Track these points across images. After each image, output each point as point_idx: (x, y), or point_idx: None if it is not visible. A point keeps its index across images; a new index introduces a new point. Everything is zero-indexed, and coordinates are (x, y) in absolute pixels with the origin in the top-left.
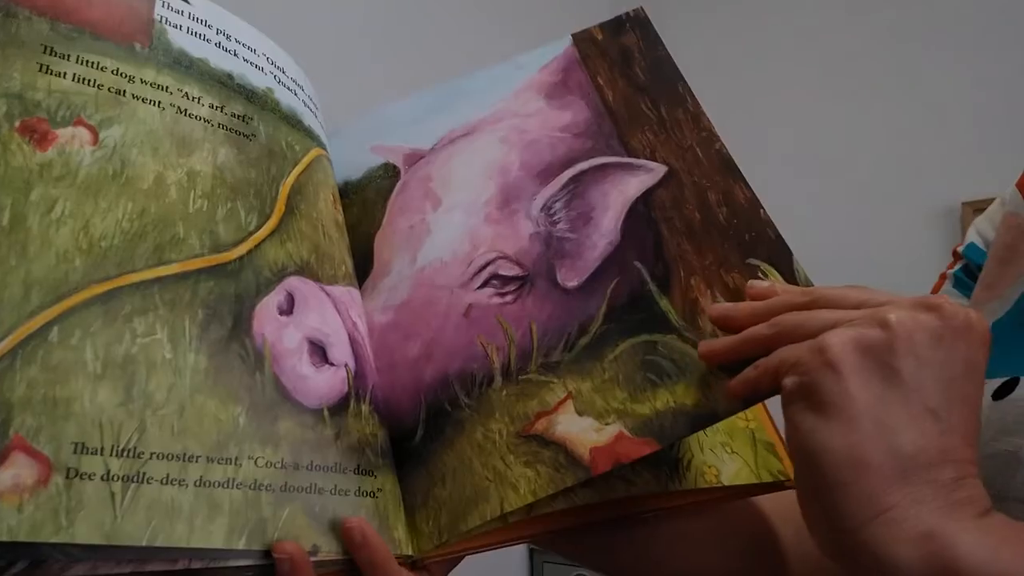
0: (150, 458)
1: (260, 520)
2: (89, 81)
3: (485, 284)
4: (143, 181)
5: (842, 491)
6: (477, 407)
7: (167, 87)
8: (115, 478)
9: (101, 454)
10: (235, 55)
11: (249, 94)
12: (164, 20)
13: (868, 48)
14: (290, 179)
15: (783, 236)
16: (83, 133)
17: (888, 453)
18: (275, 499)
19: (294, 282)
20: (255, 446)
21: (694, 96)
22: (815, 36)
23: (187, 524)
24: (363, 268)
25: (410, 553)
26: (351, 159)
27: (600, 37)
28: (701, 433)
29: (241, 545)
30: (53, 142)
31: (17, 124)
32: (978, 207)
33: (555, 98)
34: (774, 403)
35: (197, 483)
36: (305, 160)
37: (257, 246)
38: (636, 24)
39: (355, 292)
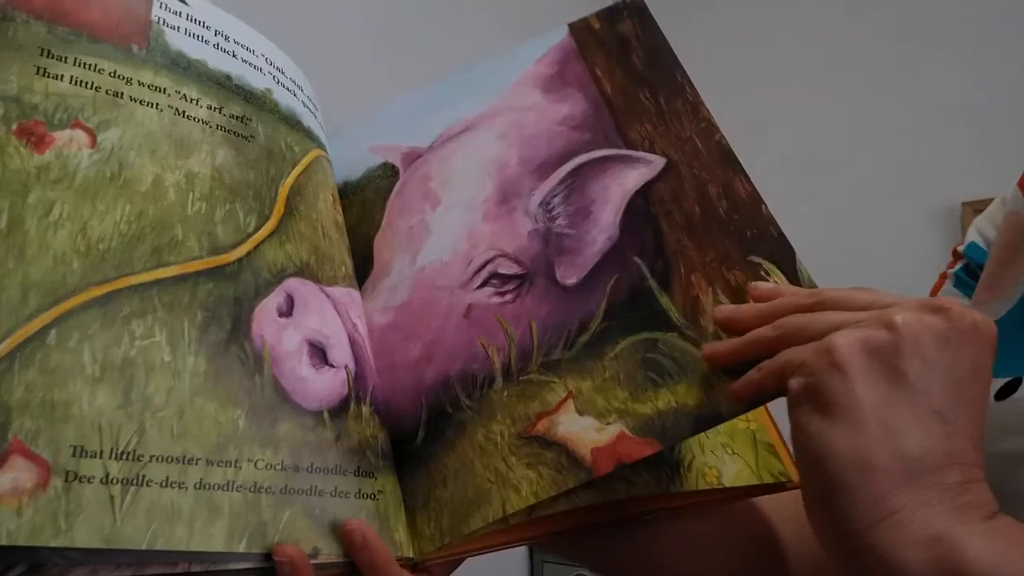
0: (149, 461)
1: (260, 523)
2: (86, 83)
3: (485, 283)
4: (141, 183)
5: (849, 494)
6: (478, 408)
7: (165, 89)
8: (114, 481)
9: (100, 457)
10: (233, 56)
11: (248, 95)
12: (162, 21)
13: (868, 48)
14: (289, 180)
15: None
16: (81, 136)
17: (895, 456)
18: (275, 502)
19: (294, 283)
20: (255, 448)
21: (693, 85)
22: (815, 36)
23: (187, 527)
24: (363, 269)
25: (411, 555)
26: (350, 159)
27: (597, 26)
28: (702, 434)
29: (241, 548)
30: (51, 145)
31: (14, 127)
32: (978, 207)
33: (552, 91)
34: (775, 404)
35: (197, 486)
36: (304, 161)
37: (256, 248)
38: (633, 12)
39: (355, 293)
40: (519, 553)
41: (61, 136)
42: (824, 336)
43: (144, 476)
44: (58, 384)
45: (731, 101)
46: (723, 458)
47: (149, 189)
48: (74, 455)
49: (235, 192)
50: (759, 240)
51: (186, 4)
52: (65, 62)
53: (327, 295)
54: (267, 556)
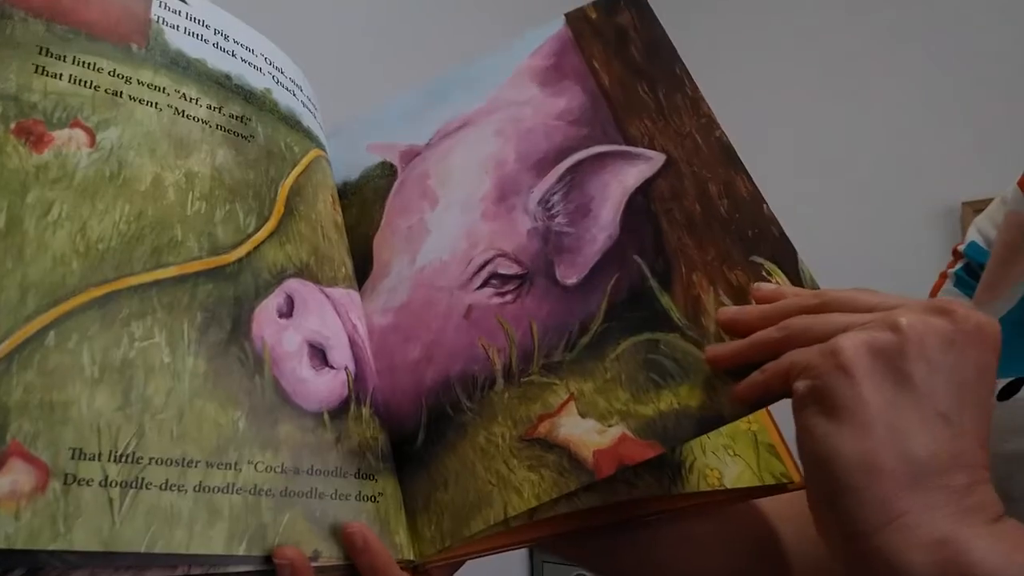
0: (149, 463)
1: (260, 525)
2: (85, 82)
3: (485, 284)
4: (140, 183)
5: (855, 496)
6: (479, 410)
7: (164, 88)
8: (113, 484)
9: (99, 459)
10: (233, 55)
11: (247, 95)
12: (161, 20)
13: (868, 48)
14: (289, 180)
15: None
16: (80, 135)
17: (901, 458)
18: (275, 504)
19: (293, 284)
20: (255, 450)
21: (692, 80)
22: (815, 36)
23: (186, 530)
24: (362, 269)
25: (412, 558)
26: (349, 159)
27: (594, 16)
28: (703, 435)
29: (241, 551)
30: (49, 144)
31: (13, 126)
32: (978, 207)
33: (549, 84)
34: (776, 405)
35: (196, 488)
36: (304, 161)
37: (256, 248)
38: (631, 2)
39: (355, 294)
40: (519, 553)
41: (60, 135)
42: (829, 338)
43: (143, 478)
44: (57, 386)
45: (731, 101)
46: (724, 459)
47: (148, 189)
48: (73, 457)
49: (235, 192)
50: (761, 240)
51: (186, 3)
52: (64, 61)
53: (327, 296)
54: (267, 559)
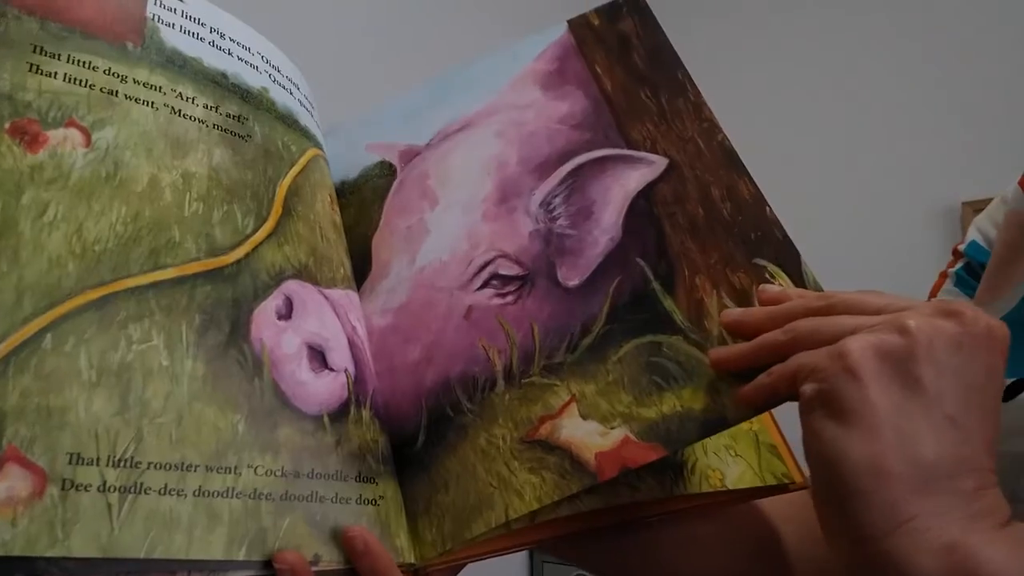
0: (147, 468)
1: (260, 530)
2: (81, 81)
3: (485, 284)
4: (137, 184)
5: (863, 500)
6: (480, 412)
7: (160, 87)
8: (112, 489)
9: (97, 464)
10: (229, 54)
11: (244, 94)
12: (157, 18)
13: (868, 48)
14: (287, 180)
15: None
16: (75, 135)
17: (909, 462)
18: (275, 508)
19: (292, 286)
20: (254, 454)
21: (695, 85)
22: (815, 36)
23: (186, 535)
24: (361, 270)
25: (412, 561)
26: (347, 158)
27: (597, 23)
28: None
29: (241, 556)
30: (44, 144)
31: (7, 125)
32: (978, 207)
33: (551, 88)
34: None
35: (196, 493)
36: (302, 161)
37: (254, 249)
38: (633, 9)
39: (353, 295)
40: (519, 552)
41: (55, 135)
42: (837, 340)
43: (142, 483)
44: (54, 390)
45: (731, 101)
46: (726, 460)
47: (145, 189)
48: (70, 462)
49: (232, 192)
50: (764, 242)
51: (182, 1)
52: (58, 59)
53: (325, 297)
54: (267, 563)
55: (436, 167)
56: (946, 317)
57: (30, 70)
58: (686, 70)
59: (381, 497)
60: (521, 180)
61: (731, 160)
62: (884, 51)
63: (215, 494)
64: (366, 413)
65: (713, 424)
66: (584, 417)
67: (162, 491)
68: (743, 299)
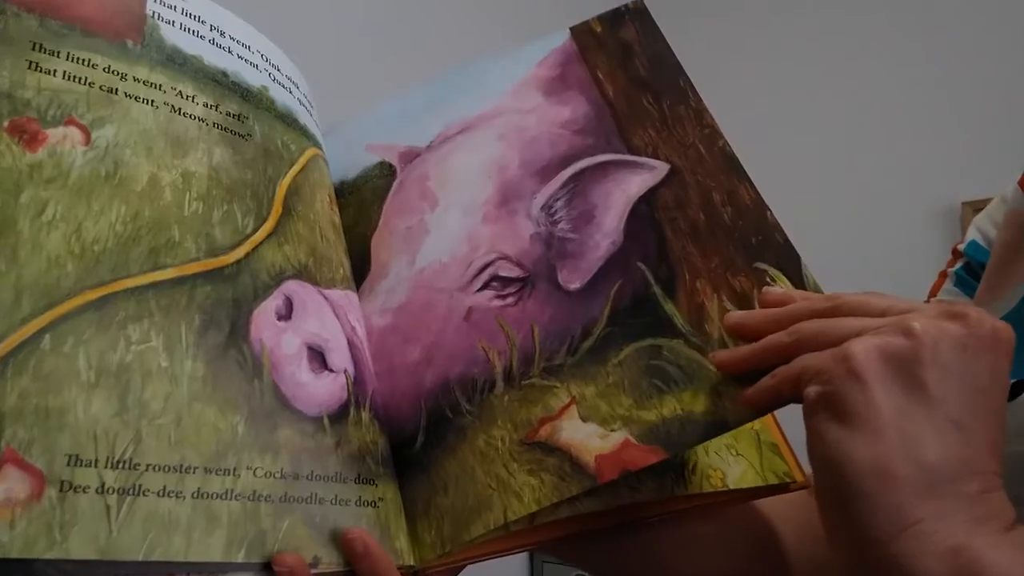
0: (146, 470)
1: (259, 532)
2: (80, 79)
3: (485, 286)
4: (137, 183)
5: (868, 503)
6: (479, 413)
7: (160, 85)
8: (110, 491)
9: (96, 466)
10: (229, 52)
11: (244, 92)
12: (157, 16)
13: (868, 48)
14: (287, 180)
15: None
16: (74, 133)
17: (914, 465)
18: (275, 510)
19: (292, 286)
20: (254, 456)
21: (696, 91)
22: (815, 36)
23: (185, 537)
24: (360, 270)
25: (412, 563)
26: (346, 158)
27: (599, 30)
28: None
29: (240, 558)
30: (43, 142)
31: (6, 124)
32: (978, 207)
33: (554, 93)
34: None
35: (195, 495)
36: (301, 160)
37: (254, 249)
38: (635, 16)
39: (353, 296)
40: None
41: (54, 133)
42: (841, 343)
43: (141, 485)
44: (52, 391)
45: (731, 101)
46: (727, 460)
47: (145, 189)
48: (69, 464)
49: (232, 192)
50: (764, 246)
51: None
52: (58, 57)
53: (325, 298)
54: (266, 566)
55: (436, 169)
56: (951, 319)
57: (29, 68)
58: (687, 77)
59: (381, 499)
60: (522, 183)
61: (732, 166)
62: (884, 51)
63: (214, 496)
64: (365, 415)
65: (714, 427)
66: (584, 419)
67: (161, 493)
68: (744, 303)
